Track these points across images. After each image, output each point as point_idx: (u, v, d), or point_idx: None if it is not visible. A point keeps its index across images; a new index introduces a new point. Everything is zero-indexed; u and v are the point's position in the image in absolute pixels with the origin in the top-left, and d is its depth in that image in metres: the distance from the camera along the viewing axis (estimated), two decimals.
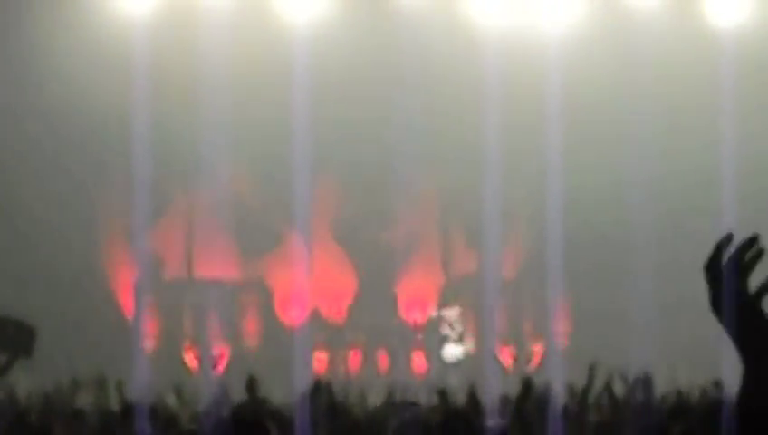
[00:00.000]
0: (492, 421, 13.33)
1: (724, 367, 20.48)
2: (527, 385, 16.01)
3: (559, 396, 18.14)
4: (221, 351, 31.47)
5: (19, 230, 29.55)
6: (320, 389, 17.25)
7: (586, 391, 18.50)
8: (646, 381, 18.81)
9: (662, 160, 31.02)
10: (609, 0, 32.84)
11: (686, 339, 29.72)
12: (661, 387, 19.37)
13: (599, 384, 18.99)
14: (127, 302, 31.44)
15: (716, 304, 3.90)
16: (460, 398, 19.85)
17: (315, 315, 32.11)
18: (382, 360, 32.15)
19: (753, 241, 3.94)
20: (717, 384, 19.66)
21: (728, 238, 3.93)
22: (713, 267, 3.91)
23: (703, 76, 31.46)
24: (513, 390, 20.00)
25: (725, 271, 3.89)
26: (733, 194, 29.18)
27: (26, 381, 22.98)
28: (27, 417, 17.05)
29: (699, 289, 9.19)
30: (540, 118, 30.78)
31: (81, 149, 30.68)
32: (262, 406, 17.08)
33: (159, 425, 13.72)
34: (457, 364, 31.61)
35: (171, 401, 21.36)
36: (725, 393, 17.39)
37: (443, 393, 18.36)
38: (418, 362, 32.06)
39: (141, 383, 25.72)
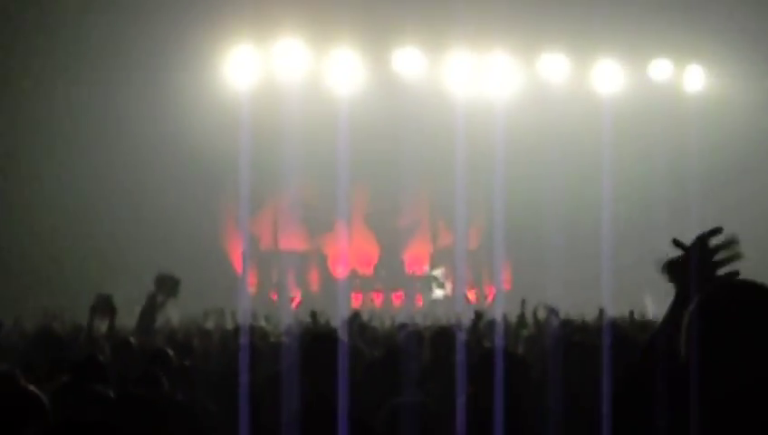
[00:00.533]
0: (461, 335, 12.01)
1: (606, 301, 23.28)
2: (479, 314, 16.07)
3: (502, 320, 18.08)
4: (295, 293, 33.32)
5: (170, 222, 30.80)
6: (356, 316, 18.04)
7: (521, 316, 19.38)
8: (554, 310, 20.12)
9: (561, 175, 32.83)
10: (533, 76, 34.03)
11: (582, 283, 30.40)
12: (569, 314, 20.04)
13: (529, 312, 19.84)
14: (237, 263, 33.40)
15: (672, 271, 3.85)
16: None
17: (353, 272, 34.21)
18: (396, 298, 34.13)
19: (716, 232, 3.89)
20: (601, 311, 19.83)
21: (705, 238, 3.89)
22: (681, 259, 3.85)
23: (591, 127, 33.16)
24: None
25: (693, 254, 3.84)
26: (607, 200, 31.24)
27: (175, 313, 23.51)
28: (176, 335, 17.72)
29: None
30: (490, 150, 32.49)
31: (210, 171, 32.35)
32: (321, 327, 17.45)
33: (257, 339, 12.97)
34: (441, 301, 33.61)
35: (264, 324, 22.70)
36: (606, 318, 17.65)
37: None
38: (417, 300, 34.07)
39: (245, 313, 26.51)
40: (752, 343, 3.24)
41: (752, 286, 3.38)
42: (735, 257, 3.90)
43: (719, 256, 3.91)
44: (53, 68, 29.89)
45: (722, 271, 3.89)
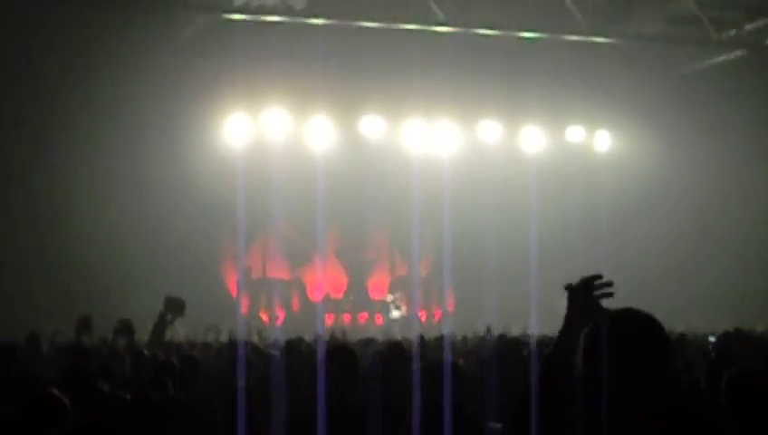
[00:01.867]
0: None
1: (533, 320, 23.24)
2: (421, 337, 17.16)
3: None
4: (280, 314, 33.07)
5: (179, 254, 30.62)
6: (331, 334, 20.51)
7: (466, 338, 19.99)
8: (489, 329, 21.33)
9: (495, 218, 32.69)
10: (470, 138, 34.07)
11: (513, 305, 30.33)
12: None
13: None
14: (233, 288, 33.26)
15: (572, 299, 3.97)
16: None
17: (327, 296, 33.78)
18: (361, 318, 33.86)
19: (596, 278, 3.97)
20: (488, 328, 21.20)
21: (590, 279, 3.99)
22: (574, 290, 3.98)
23: (520, 179, 33.12)
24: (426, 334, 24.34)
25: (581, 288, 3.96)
26: (533, 238, 30.89)
27: (181, 329, 23.63)
28: (181, 346, 18.05)
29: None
30: (437, 197, 32.19)
31: (211, 213, 31.96)
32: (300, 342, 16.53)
33: (249, 351, 12.91)
34: (397, 320, 33.42)
35: (255, 339, 22.44)
36: (491, 333, 19.30)
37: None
38: (378, 319, 33.85)
39: (240, 330, 26.36)
40: (630, 356, 3.39)
41: (633, 315, 3.54)
42: (608, 295, 4.04)
43: (597, 293, 4.05)
44: (86, 128, 29.76)
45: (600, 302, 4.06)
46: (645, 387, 3.33)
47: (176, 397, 7.97)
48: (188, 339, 21.73)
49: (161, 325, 22.19)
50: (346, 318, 33.42)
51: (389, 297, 34.31)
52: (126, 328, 19.59)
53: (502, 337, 14.12)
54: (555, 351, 3.93)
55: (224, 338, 23.48)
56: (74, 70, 28.97)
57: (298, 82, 30.73)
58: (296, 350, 12.70)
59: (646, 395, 3.32)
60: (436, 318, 34.58)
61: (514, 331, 20.87)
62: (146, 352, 11.99)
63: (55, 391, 4.32)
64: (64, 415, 4.29)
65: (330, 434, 5.41)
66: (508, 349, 10.83)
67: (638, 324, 3.49)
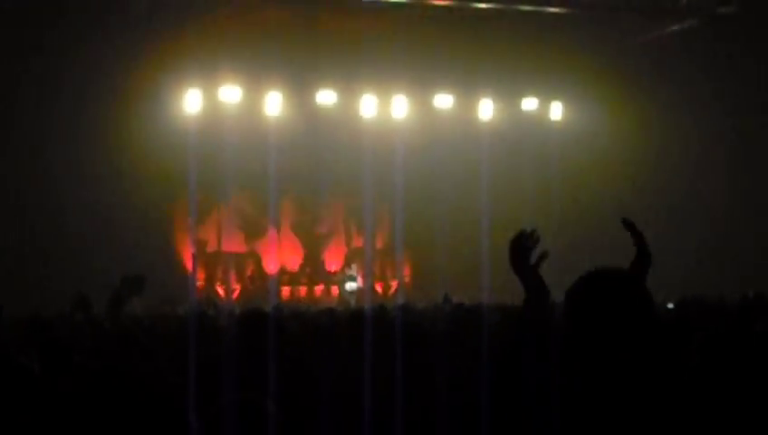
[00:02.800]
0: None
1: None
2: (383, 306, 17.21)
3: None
4: (235, 287, 33.18)
5: (135, 229, 30.43)
6: (281, 306, 20.27)
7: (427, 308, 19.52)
8: (447, 297, 22.34)
9: (449, 188, 33.22)
10: (424, 105, 34.06)
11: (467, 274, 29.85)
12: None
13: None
14: (188, 263, 33.16)
15: (515, 267, 3.96)
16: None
17: (282, 269, 33.98)
18: (317, 291, 33.88)
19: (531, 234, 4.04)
20: (445, 296, 21.63)
21: (522, 236, 4.04)
22: (513, 251, 3.99)
23: (474, 148, 33.18)
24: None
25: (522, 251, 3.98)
26: (486, 206, 31.23)
27: (137, 303, 23.77)
28: (140, 321, 17.30)
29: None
30: (392, 168, 32.84)
31: (164, 186, 31.86)
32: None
33: (205, 324, 12.79)
34: (353, 292, 33.41)
35: (211, 311, 20.99)
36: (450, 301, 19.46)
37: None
38: (334, 291, 33.89)
39: (194, 302, 28.01)
40: (613, 309, 3.49)
41: (609, 273, 3.65)
42: (544, 256, 4.08)
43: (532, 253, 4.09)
44: (36, 104, 29.64)
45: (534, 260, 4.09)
46: (627, 339, 3.43)
47: (136, 367, 8.12)
48: (146, 313, 20.97)
49: (117, 301, 22.47)
50: (302, 291, 33.56)
51: (346, 269, 34.39)
52: (82, 302, 19.60)
53: (459, 306, 14.21)
54: (522, 319, 3.95)
55: (181, 311, 23.57)
56: (24, 44, 28.80)
57: (252, 56, 30.75)
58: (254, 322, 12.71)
59: (628, 347, 3.42)
60: (392, 290, 34.73)
61: (471, 300, 20.15)
62: (106, 324, 11.99)
63: (24, 360, 4.37)
64: (34, 384, 4.33)
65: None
66: (465, 317, 10.82)
67: (618, 279, 3.62)
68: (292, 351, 8.80)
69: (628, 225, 4.28)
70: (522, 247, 4.07)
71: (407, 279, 35.12)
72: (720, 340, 5.54)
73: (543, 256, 4.06)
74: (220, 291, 32.73)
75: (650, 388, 3.37)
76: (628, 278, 3.65)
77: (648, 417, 3.32)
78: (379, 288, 34.70)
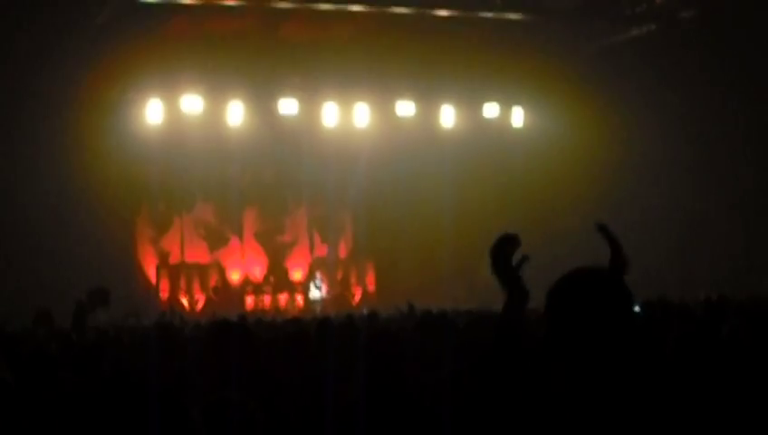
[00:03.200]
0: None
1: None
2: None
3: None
4: (199, 297, 33.16)
5: (92, 238, 29.79)
6: (245, 315, 20.08)
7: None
8: (411, 307, 21.20)
9: (412, 193, 33.99)
10: (387, 113, 33.85)
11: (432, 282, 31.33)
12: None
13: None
14: (151, 274, 33.09)
15: (496, 270, 3.89)
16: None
17: (246, 278, 33.99)
18: (281, 299, 33.64)
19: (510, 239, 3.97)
20: (410, 306, 20.86)
21: (505, 239, 3.96)
22: (495, 254, 3.92)
23: (435, 158, 33.70)
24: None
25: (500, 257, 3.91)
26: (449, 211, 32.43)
27: (102, 316, 23.77)
28: (105, 331, 16.67)
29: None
30: (355, 176, 34.01)
31: (126, 197, 31.77)
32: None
33: (169, 333, 11.78)
34: (317, 301, 33.23)
35: (176, 320, 22.53)
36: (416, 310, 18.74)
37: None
38: (299, 299, 33.79)
39: (157, 312, 27.54)
40: (593, 309, 3.47)
41: (590, 272, 3.61)
42: (524, 259, 4.04)
43: (511, 257, 4.03)
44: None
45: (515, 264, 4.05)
46: (607, 338, 3.41)
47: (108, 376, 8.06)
48: (112, 325, 21.04)
49: (81, 313, 22.46)
50: (266, 300, 33.42)
51: (311, 278, 34.28)
52: (44, 317, 19.60)
53: (426, 314, 14.27)
54: (502, 321, 3.96)
55: (146, 323, 23.10)
56: None
57: (213, 66, 30.71)
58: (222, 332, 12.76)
59: (608, 346, 3.40)
60: (357, 298, 34.81)
61: (435, 306, 20.55)
62: (73, 336, 12.04)
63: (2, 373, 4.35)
64: (11, 396, 4.33)
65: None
66: (432, 326, 10.92)
67: (599, 278, 3.59)
68: (259, 360, 8.81)
69: (602, 229, 4.20)
70: (504, 250, 4.02)
71: (370, 287, 35.28)
72: (692, 342, 5.63)
73: (524, 260, 4.03)
74: (184, 302, 32.64)
75: (630, 387, 3.39)
76: (609, 277, 3.63)
77: (628, 415, 3.34)
78: (342, 297, 34.55)
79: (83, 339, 13.09)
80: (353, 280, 35.44)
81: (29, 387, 4.28)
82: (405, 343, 5.80)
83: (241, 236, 34.62)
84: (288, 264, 35.09)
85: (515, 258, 4.05)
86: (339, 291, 34.81)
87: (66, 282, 26.28)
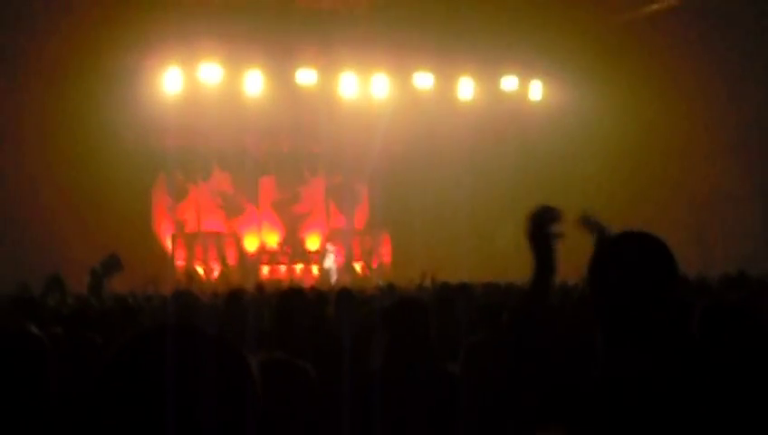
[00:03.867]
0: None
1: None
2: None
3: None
4: (214, 267, 33.08)
5: (110, 206, 30.11)
6: (262, 284, 20.48)
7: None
8: (426, 277, 21.37)
9: (430, 167, 34.13)
10: (405, 84, 33.61)
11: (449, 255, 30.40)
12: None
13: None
14: (167, 243, 33.26)
15: (532, 237, 3.86)
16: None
17: (262, 247, 34.03)
18: (297, 269, 33.62)
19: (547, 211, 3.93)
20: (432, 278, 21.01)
21: (545, 209, 3.92)
22: (534, 222, 3.90)
23: (454, 127, 33.83)
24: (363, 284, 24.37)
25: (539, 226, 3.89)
26: (466, 185, 32.68)
27: (118, 284, 23.98)
28: (124, 298, 16.65)
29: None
30: (372, 148, 34.04)
31: (143, 165, 32.02)
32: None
33: (188, 300, 12.00)
34: (332, 270, 33.10)
35: (193, 287, 22.24)
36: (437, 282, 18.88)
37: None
38: (314, 269, 33.72)
39: (174, 280, 28.84)
40: (635, 273, 3.46)
41: (639, 235, 3.59)
42: (561, 234, 4.07)
43: (550, 228, 4.05)
44: (16, 82, 29.28)
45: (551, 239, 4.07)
46: (648, 305, 3.39)
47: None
48: (131, 292, 21.04)
49: (97, 281, 22.66)
50: (281, 269, 33.49)
51: (326, 247, 34.31)
52: (56, 283, 19.72)
53: (444, 285, 14.36)
54: (532, 291, 3.95)
55: (164, 291, 22.71)
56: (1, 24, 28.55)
57: (232, 34, 30.55)
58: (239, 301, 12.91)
59: (648, 313, 3.38)
60: (373, 268, 34.80)
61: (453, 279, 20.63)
62: (92, 301, 12.12)
63: (34, 329, 4.39)
64: (45, 356, 4.35)
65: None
66: (449, 297, 10.99)
67: (644, 243, 3.56)
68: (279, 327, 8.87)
69: (586, 222, 4.47)
70: (542, 220, 4.05)
71: (386, 258, 35.33)
72: (720, 312, 5.56)
73: (560, 235, 4.04)
74: (200, 270, 32.70)
75: (670, 354, 3.37)
76: (655, 241, 3.58)
77: (665, 382, 3.31)
78: (358, 267, 34.77)
79: (102, 304, 13.13)
80: (368, 250, 35.44)
81: (59, 346, 4.32)
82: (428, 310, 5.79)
83: (257, 206, 34.79)
84: (304, 234, 35.28)
85: (552, 232, 4.04)
86: (354, 261, 34.89)
87: (82, 251, 26.38)
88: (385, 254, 35.30)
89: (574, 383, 3.49)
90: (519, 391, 3.96)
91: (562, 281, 16.63)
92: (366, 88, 33.80)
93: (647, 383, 3.30)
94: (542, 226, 4.03)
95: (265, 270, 33.14)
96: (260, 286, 19.35)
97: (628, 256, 3.50)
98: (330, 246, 34.18)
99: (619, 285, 3.45)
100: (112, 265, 24.75)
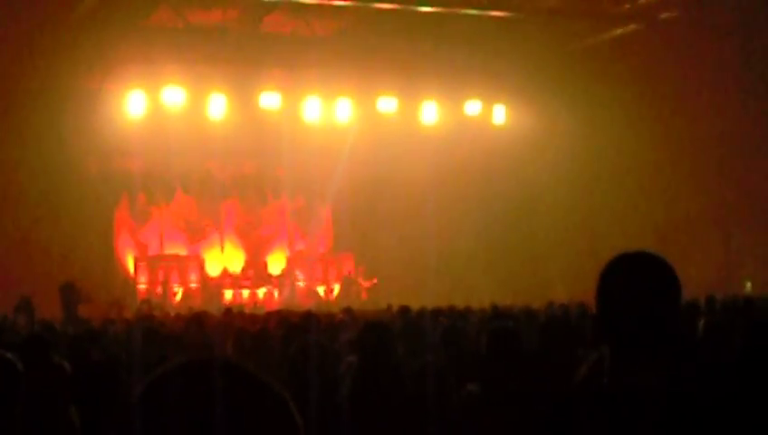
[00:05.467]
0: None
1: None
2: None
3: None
4: (176, 290, 32.82)
5: (74, 231, 30.09)
6: (230, 309, 20.79)
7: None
8: (405, 309, 23.34)
9: (394, 187, 34.28)
10: (369, 108, 33.35)
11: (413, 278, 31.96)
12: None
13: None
14: (128, 266, 33.17)
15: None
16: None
17: (225, 271, 33.77)
18: (260, 293, 33.24)
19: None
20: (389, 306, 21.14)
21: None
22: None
23: (417, 151, 33.77)
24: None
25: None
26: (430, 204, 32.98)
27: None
28: (88, 321, 17.66)
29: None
30: (334, 168, 34.16)
31: (105, 185, 32.09)
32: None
33: (150, 325, 13.22)
34: (294, 295, 33.21)
35: (155, 311, 23.33)
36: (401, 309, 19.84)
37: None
38: (276, 294, 33.28)
39: (136, 304, 28.59)
40: (641, 294, 3.48)
41: (645, 255, 3.60)
42: None
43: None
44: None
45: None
46: (653, 322, 3.40)
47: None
48: (95, 316, 21.32)
49: (70, 305, 22.75)
50: (244, 294, 33.31)
51: (290, 271, 34.33)
52: (26, 305, 19.74)
53: (405, 310, 14.49)
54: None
55: (126, 315, 23.55)
56: None
57: (196, 57, 30.58)
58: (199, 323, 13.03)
59: (654, 329, 3.39)
60: (334, 293, 34.74)
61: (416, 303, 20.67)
62: (57, 327, 12.13)
63: (9, 355, 4.41)
64: (19, 380, 4.37)
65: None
66: (413, 322, 11.02)
67: (650, 264, 3.56)
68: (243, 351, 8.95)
69: None
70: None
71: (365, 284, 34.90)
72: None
73: None
74: (161, 293, 32.43)
75: (677, 369, 3.42)
76: (657, 259, 3.59)
77: (675, 399, 3.37)
78: (321, 291, 34.67)
79: (69, 328, 13.14)
80: (331, 275, 35.28)
81: (28, 369, 4.33)
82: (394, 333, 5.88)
83: (220, 230, 34.81)
84: (267, 257, 35.13)
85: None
86: (316, 285, 34.80)
87: (45, 273, 26.43)
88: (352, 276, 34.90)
89: (582, 397, 3.54)
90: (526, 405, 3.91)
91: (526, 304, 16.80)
92: (330, 112, 33.73)
93: (654, 398, 3.36)
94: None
95: (228, 294, 32.94)
96: (228, 310, 19.54)
97: (632, 275, 3.53)
98: (294, 271, 34.28)
99: (623, 302, 3.48)
100: (75, 293, 24.95)
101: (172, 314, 24.09)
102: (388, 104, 33.72)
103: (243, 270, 34.35)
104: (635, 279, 3.51)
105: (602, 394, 3.44)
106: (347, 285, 34.14)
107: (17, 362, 4.28)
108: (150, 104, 31.50)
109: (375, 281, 33.82)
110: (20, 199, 29.53)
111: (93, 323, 17.14)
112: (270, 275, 34.34)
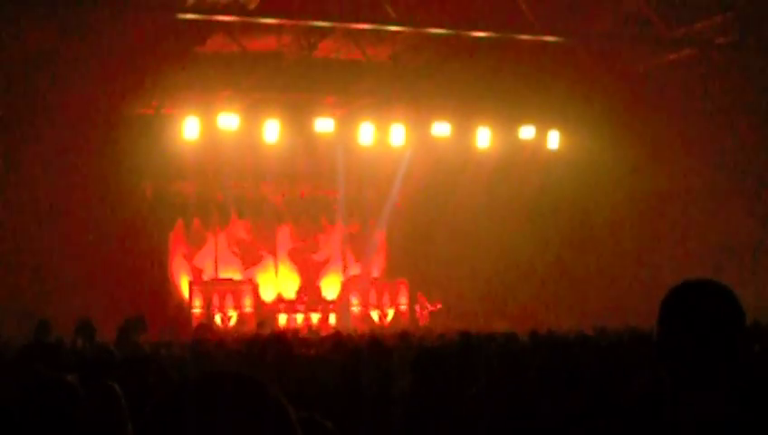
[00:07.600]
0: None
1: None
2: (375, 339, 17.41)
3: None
4: (230, 315, 32.90)
5: (130, 255, 30.35)
6: (279, 334, 20.78)
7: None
8: (463, 334, 22.69)
9: (449, 213, 34.47)
10: (423, 134, 33.30)
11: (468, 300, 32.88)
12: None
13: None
14: (183, 290, 33.50)
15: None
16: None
17: (279, 296, 34.08)
18: (312, 318, 33.50)
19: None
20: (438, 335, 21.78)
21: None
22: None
23: (471, 175, 34.30)
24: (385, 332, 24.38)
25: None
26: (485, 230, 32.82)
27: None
28: (141, 347, 16.79)
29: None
30: (389, 193, 34.74)
31: (160, 209, 32.75)
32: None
33: (205, 349, 13.77)
34: (348, 320, 33.28)
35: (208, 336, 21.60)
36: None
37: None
38: (330, 319, 33.58)
39: (190, 328, 28.63)
40: (705, 323, 3.48)
41: (708, 284, 3.60)
42: None
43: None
44: (36, 130, 29.44)
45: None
46: (716, 351, 3.41)
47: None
48: (147, 341, 21.00)
49: (126, 334, 22.83)
50: (299, 318, 33.50)
51: (348, 296, 34.60)
52: (86, 327, 19.81)
53: (462, 335, 14.43)
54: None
55: (181, 339, 23.43)
56: (21, 71, 28.67)
57: (250, 84, 30.78)
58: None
59: (716, 359, 3.38)
60: (388, 318, 34.91)
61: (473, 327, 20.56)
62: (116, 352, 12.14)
63: (70, 377, 4.48)
64: (78, 402, 4.42)
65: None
66: (469, 347, 11.07)
67: (710, 290, 3.56)
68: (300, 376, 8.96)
69: None
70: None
71: (404, 307, 35.26)
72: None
73: None
74: (217, 319, 32.72)
75: (739, 396, 3.39)
76: (721, 288, 3.58)
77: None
78: (375, 316, 34.75)
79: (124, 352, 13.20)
80: (386, 300, 35.37)
81: (88, 392, 4.41)
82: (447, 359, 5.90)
83: (275, 254, 34.98)
84: (321, 282, 35.35)
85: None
86: (371, 310, 34.94)
87: (101, 298, 26.62)
88: (403, 302, 35.24)
89: (641, 424, 3.53)
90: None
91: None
92: (384, 136, 33.72)
93: (715, 428, 3.35)
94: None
95: (282, 319, 33.11)
96: (282, 334, 19.54)
97: (698, 302, 3.53)
98: (350, 296, 34.49)
99: (691, 330, 3.48)
100: (139, 326, 25.07)
101: (227, 338, 24.04)
102: (442, 129, 33.61)
103: (297, 295, 34.49)
104: (702, 307, 3.50)
105: (664, 422, 3.42)
106: (413, 307, 34.28)
107: (77, 385, 4.33)
108: (205, 129, 31.65)
109: (440, 306, 33.77)
110: (75, 223, 29.65)
111: (146, 346, 17.52)
112: (324, 300, 34.50)
